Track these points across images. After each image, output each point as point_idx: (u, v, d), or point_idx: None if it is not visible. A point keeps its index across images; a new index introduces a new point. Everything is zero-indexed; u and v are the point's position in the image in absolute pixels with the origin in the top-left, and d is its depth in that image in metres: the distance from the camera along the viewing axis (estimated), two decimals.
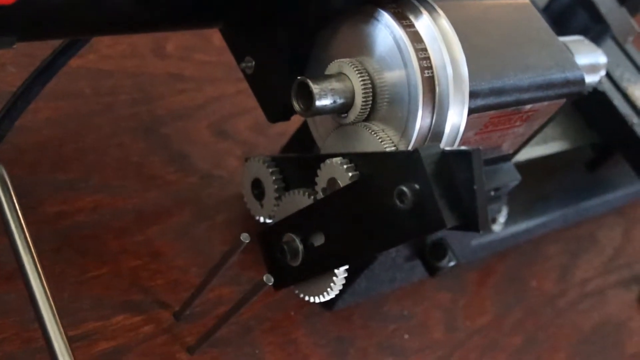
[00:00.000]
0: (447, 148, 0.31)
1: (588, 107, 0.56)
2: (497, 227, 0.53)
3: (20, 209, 0.36)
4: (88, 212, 0.43)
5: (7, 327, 0.36)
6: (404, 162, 0.31)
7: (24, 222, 0.36)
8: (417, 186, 0.30)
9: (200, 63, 0.56)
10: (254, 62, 0.39)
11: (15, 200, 0.37)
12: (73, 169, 0.44)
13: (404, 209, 0.31)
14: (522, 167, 0.46)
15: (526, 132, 0.42)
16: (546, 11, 0.57)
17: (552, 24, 0.43)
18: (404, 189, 0.30)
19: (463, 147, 0.30)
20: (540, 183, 0.59)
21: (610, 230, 0.68)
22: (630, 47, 0.60)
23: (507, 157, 0.44)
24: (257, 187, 0.41)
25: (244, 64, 0.39)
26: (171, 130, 0.50)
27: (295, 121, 0.47)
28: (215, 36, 0.54)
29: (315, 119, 0.39)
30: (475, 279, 0.55)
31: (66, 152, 0.45)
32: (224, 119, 0.53)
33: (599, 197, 0.63)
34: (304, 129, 0.46)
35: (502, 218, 0.53)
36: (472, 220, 0.30)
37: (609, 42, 0.57)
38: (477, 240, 0.52)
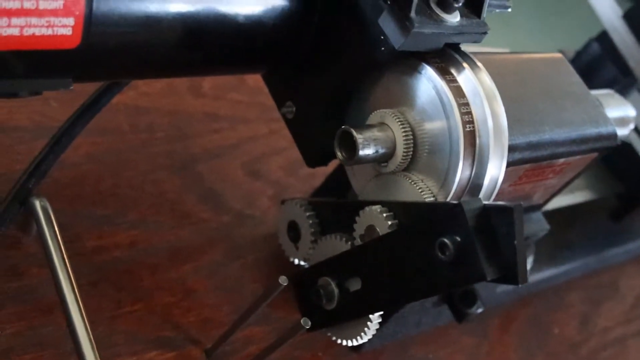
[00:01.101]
0: (489, 202, 0.31)
1: (614, 158, 0.56)
2: None
3: (61, 242, 0.37)
4: (124, 247, 0.44)
5: (45, 359, 0.37)
6: (446, 214, 0.31)
7: (66, 255, 0.37)
8: (459, 239, 0.31)
9: (235, 102, 0.57)
10: (294, 108, 0.40)
11: (57, 233, 0.38)
12: (110, 204, 0.45)
13: (445, 260, 0.31)
14: (547, 215, 0.47)
15: (558, 184, 0.42)
16: (574, 63, 0.58)
17: (580, 76, 0.44)
18: (446, 241, 0.31)
19: (505, 203, 0.31)
20: (565, 231, 0.60)
21: (632, 279, 0.69)
22: None
23: (537, 207, 0.45)
24: (293, 230, 0.41)
25: (284, 109, 0.40)
26: (205, 169, 0.51)
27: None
28: (249, 77, 0.55)
29: (355, 166, 0.40)
30: (498, 325, 0.55)
31: (104, 188, 0.46)
32: (256, 159, 0.54)
33: (622, 246, 0.63)
34: (338, 173, 0.46)
35: (528, 265, 0.53)
36: (511, 274, 0.31)
37: (636, 95, 0.58)
38: (503, 287, 0.53)
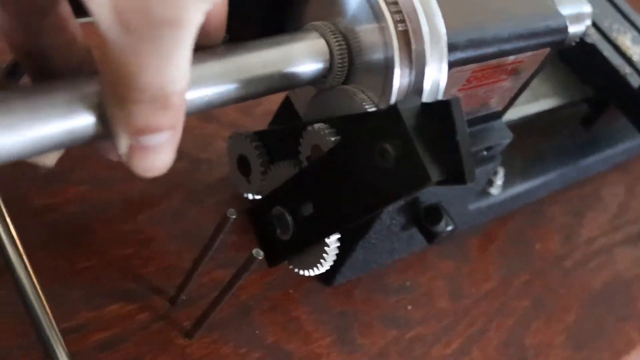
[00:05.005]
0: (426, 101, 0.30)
1: (578, 61, 0.55)
2: (494, 190, 0.52)
3: (3, 204, 0.35)
4: (75, 203, 0.42)
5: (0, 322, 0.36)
6: (383, 119, 0.30)
7: (8, 216, 0.35)
8: (399, 141, 0.29)
9: None
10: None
11: None
12: (57, 163, 0.44)
13: (387, 167, 0.30)
14: (515, 126, 0.45)
15: (514, 87, 0.41)
16: None
17: None
18: (386, 145, 0.30)
19: (442, 98, 0.29)
20: (536, 143, 0.58)
21: (614, 187, 0.67)
22: None
23: (497, 115, 0.43)
24: (243, 164, 0.40)
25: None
26: None
27: (280, 98, 0.46)
28: None
29: (296, 89, 0.38)
30: (478, 245, 0.54)
31: None
32: None
33: (598, 154, 0.62)
34: (287, 104, 0.45)
35: (499, 180, 0.52)
36: (458, 173, 0.29)
37: None
38: (475, 204, 0.51)
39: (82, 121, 0.27)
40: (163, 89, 0.25)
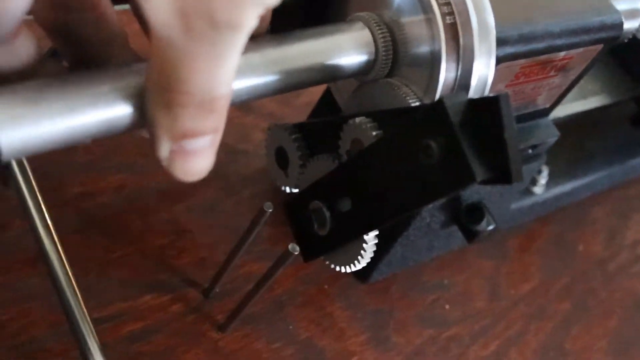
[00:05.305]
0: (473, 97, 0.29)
1: (629, 58, 0.53)
2: (538, 189, 0.51)
3: (39, 192, 0.35)
4: (110, 192, 0.42)
5: (33, 310, 0.36)
6: (427, 115, 0.29)
7: (44, 205, 0.35)
8: (443, 138, 0.28)
9: None
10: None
11: (34, 184, 0.36)
12: (94, 150, 0.44)
13: (431, 163, 0.29)
14: (562, 124, 0.44)
15: (562, 84, 0.39)
16: None
17: None
18: (430, 142, 0.28)
19: (490, 95, 0.28)
20: (583, 141, 0.56)
21: None
22: None
23: (544, 112, 0.41)
24: (281, 156, 0.39)
25: None
26: None
27: (321, 90, 0.45)
28: None
29: (338, 82, 0.37)
30: (518, 245, 0.53)
31: None
32: None
33: None
34: (327, 96, 0.44)
35: (542, 179, 0.51)
36: (504, 172, 0.28)
37: None
38: (518, 203, 0.50)
39: (120, 112, 0.26)
40: (211, 92, 0.24)
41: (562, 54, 0.36)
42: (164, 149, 0.26)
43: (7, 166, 0.38)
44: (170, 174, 0.27)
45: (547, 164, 0.49)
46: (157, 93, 0.25)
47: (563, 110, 0.46)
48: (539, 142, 0.42)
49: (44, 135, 0.25)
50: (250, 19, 0.23)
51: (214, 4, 0.22)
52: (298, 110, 0.51)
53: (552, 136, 0.42)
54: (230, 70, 0.24)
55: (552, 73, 0.37)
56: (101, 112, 0.26)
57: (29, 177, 0.37)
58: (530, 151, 0.42)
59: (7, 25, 0.24)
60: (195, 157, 0.26)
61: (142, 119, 0.26)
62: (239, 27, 0.23)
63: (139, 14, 0.30)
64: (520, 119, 0.40)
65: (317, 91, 0.45)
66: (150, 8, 0.22)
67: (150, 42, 0.24)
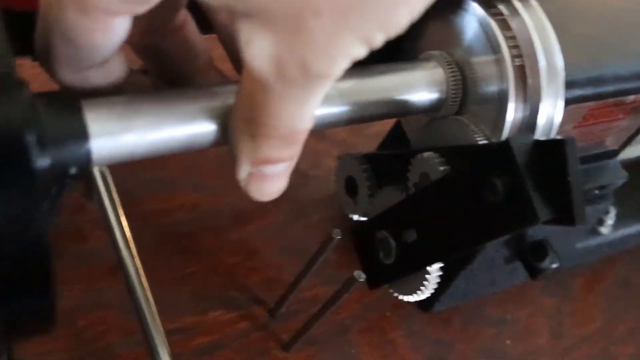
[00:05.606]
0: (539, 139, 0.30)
1: None
2: (605, 230, 0.51)
3: (120, 206, 0.37)
4: (186, 210, 0.44)
5: (109, 319, 0.38)
6: (494, 154, 0.30)
7: (125, 219, 0.37)
8: (508, 178, 0.29)
9: None
10: None
11: (116, 198, 0.38)
12: (171, 168, 0.46)
13: (496, 201, 0.30)
14: (630, 165, 0.44)
15: (631, 126, 0.40)
16: None
17: None
18: (495, 180, 0.29)
19: (556, 137, 0.29)
20: None
21: None
22: None
23: (612, 154, 0.42)
24: (351, 185, 0.40)
25: None
26: None
27: (392, 121, 0.46)
28: None
29: (408, 116, 0.39)
30: (583, 285, 0.53)
31: None
32: None
33: None
34: (397, 129, 0.45)
35: (610, 220, 0.50)
36: (567, 213, 0.29)
37: None
38: (584, 243, 0.50)
39: (204, 129, 0.28)
40: (294, 127, 0.26)
41: (632, 97, 0.37)
42: (244, 172, 0.28)
43: (91, 180, 0.40)
44: (245, 193, 0.29)
45: (615, 204, 0.49)
46: (243, 122, 0.27)
47: (632, 151, 0.46)
48: (606, 183, 0.42)
49: (131, 146, 0.27)
50: (339, 70, 0.24)
51: (309, 56, 0.24)
52: (369, 139, 0.52)
53: (620, 177, 0.42)
54: (314, 108, 0.26)
55: (621, 115, 0.38)
56: (188, 128, 0.28)
57: (112, 191, 0.39)
58: (597, 192, 0.42)
59: (107, 53, 0.27)
60: (271, 181, 0.29)
61: (224, 137, 0.29)
62: (328, 76, 0.25)
63: (227, 45, 0.32)
64: (588, 159, 0.40)
65: (388, 122, 0.46)
66: (250, 54, 0.24)
67: (242, 77, 0.26)
